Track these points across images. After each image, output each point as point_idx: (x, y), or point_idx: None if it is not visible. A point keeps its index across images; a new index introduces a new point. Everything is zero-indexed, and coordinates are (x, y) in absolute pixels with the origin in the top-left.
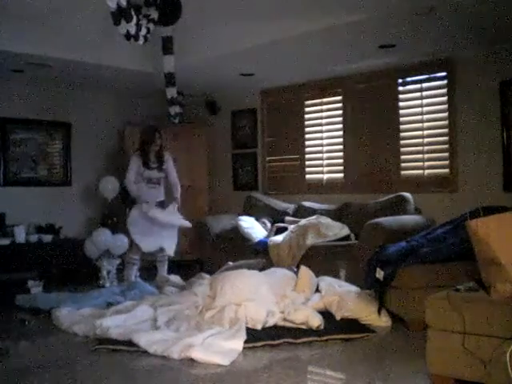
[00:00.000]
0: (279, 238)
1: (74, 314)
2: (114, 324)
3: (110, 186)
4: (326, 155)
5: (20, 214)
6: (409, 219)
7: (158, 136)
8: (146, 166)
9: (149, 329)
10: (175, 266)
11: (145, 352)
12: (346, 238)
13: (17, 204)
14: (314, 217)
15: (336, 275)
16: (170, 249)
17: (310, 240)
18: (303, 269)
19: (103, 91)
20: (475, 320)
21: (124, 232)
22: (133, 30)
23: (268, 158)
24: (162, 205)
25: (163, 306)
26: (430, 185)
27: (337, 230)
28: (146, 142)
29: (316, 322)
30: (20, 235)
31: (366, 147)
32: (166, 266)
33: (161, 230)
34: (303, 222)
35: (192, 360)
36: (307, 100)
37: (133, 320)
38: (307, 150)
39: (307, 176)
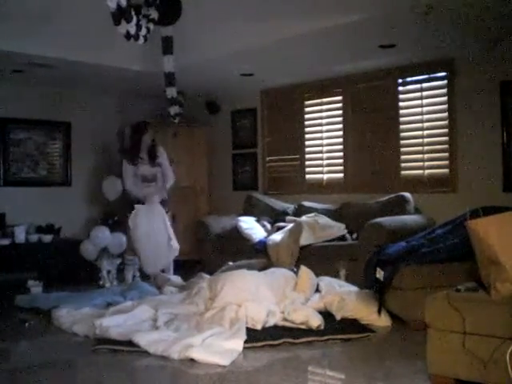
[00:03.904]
0: (278, 237)
1: (73, 314)
2: (113, 324)
3: (112, 187)
4: (325, 155)
5: (20, 214)
6: (409, 219)
7: (150, 131)
8: (138, 162)
9: (149, 329)
10: (175, 266)
11: (145, 352)
12: (343, 237)
13: (17, 204)
14: (312, 214)
15: (336, 275)
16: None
17: (304, 239)
18: (303, 269)
19: (103, 91)
20: (475, 320)
21: (123, 231)
22: (133, 30)
23: (268, 158)
24: (164, 204)
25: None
26: (430, 185)
27: (333, 229)
28: (138, 138)
29: (316, 321)
30: (20, 235)
31: (366, 147)
32: (172, 267)
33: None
34: (300, 219)
35: (192, 360)
36: (307, 100)
37: (133, 320)
38: (307, 150)
39: (307, 176)
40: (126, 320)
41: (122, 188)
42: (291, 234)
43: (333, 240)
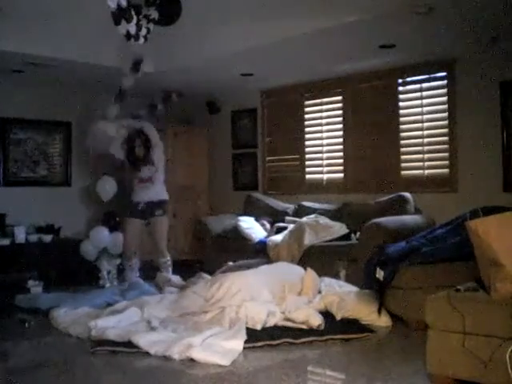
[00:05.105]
0: (278, 237)
1: (71, 314)
2: (109, 325)
3: (107, 187)
4: (325, 155)
5: (20, 214)
6: (409, 219)
7: (139, 143)
8: (133, 166)
9: (145, 330)
10: (175, 266)
11: (144, 353)
12: (345, 237)
13: (17, 204)
14: (312, 215)
15: (336, 275)
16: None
17: (308, 240)
18: (309, 272)
19: (103, 91)
20: (475, 320)
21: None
22: (133, 30)
23: (268, 158)
24: (162, 205)
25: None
26: (430, 185)
27: (334, 229)
28: (129, 145)
29: (317, 321)
30: (20, 235)
31: (366, 147)
32: (170, 271)
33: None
34: (301, 220)
35: (192, 360)
36: (307, 100)
37: (126, 321)
38: (307, 150)
39: (307, 176)
40: (120, 321)
41: (116, 188)
42: (292, 235)
43: (336, 240)
